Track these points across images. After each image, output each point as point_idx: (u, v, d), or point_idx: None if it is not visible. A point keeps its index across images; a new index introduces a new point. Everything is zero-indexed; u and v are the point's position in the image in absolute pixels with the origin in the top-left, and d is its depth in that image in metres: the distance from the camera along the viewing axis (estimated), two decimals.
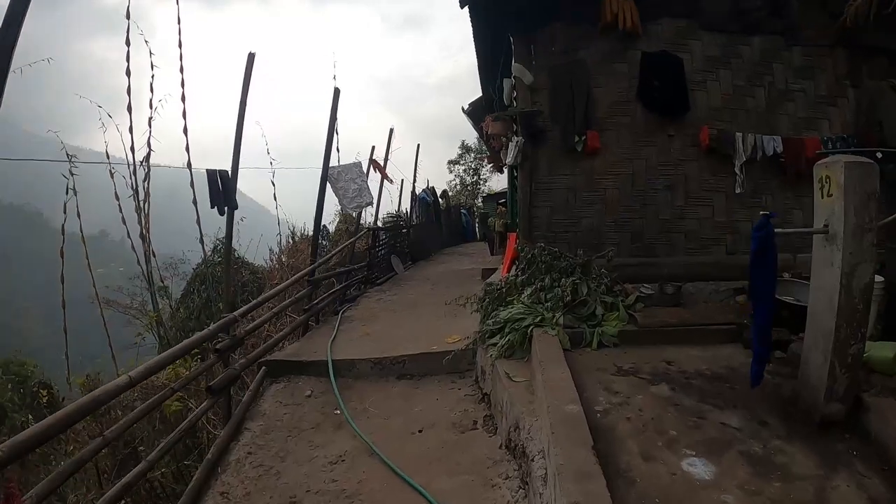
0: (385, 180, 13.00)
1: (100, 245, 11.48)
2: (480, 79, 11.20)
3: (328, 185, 9.44)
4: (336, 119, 8.80)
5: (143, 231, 10.58)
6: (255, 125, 13.04)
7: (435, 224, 22.69)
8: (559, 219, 7.25)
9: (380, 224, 15.07)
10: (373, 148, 12.85)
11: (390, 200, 19.95)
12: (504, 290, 6.63)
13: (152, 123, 10.46)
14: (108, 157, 10.08)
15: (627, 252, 7.19)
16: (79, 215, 9.52)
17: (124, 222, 10.06)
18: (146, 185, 10.74)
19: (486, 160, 29.98)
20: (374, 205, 13.44)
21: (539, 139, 7.24)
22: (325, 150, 8.91)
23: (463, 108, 15.05)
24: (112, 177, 10.04)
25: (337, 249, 10.43)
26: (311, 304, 9.17)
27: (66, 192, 9.32)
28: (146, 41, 10.44)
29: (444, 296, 9.81)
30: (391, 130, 13.98)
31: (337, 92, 8.80)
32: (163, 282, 11.59)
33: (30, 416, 9.48)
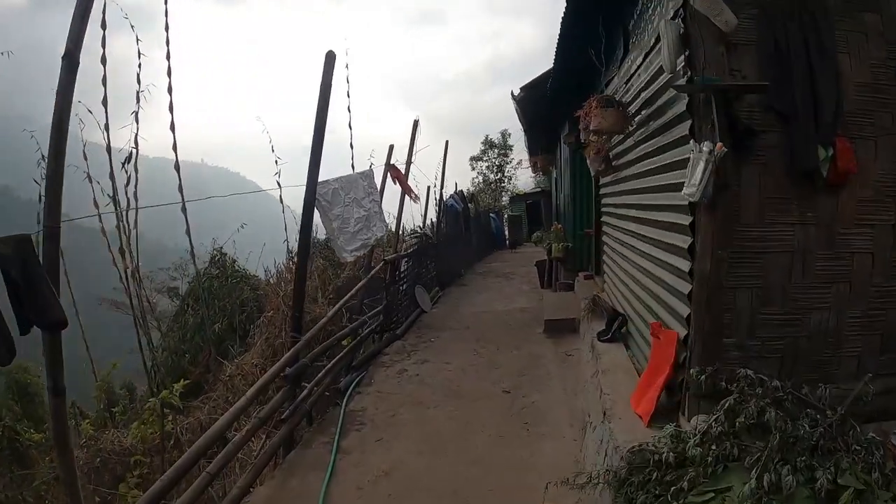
0: (408, 196, 9.51)
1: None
2: (562, 37, 7.53)
3: (316, 213, 6.06)
4: (328, 96, 5.35)
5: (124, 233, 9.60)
6: (257, 121, 11.68)
7: (465, 235, 19.13)
8: (771, 313, 3.62)
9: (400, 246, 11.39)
10: (391, 148, 9.27)
11: (411, 216, 16.31)
12: (671, 470, 3.16)
13: (139, 118, 9.68)
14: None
15: (873, 366, 3.68)
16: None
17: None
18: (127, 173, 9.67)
19: (527, 162, 26.47)
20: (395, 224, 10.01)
21: (744, 148, 3.50)
22: (312, 154, 5.48)
23: (512, 94, 11.62)
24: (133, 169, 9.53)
25: (332, 311, 6.97)
26: (294, 405, 5.80)
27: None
28: (138, 39, 9.65)
29: (497, 368, 7.67)
30: (415, 123, 10.16)
31: (331, 57, 5.35)
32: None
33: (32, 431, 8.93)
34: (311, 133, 5.43)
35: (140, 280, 10.16)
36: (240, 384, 9.10)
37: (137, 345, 9.68)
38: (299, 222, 5.80)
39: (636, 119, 5.23)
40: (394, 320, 9.87)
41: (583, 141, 6.53)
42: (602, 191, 8.27)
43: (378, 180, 8.38)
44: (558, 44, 7.77)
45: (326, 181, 6.38)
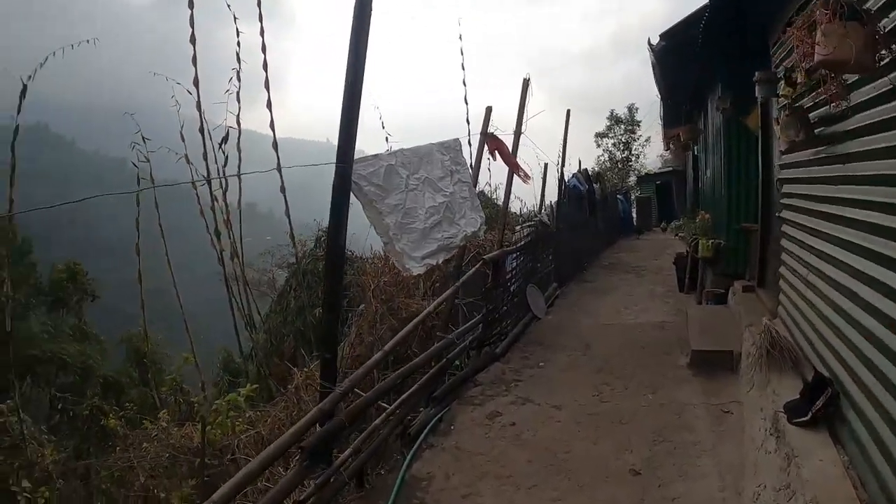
0: (516, 175, 7.39)
1: (249, 216, 11.56)
2: None
3: (357, 199, 4.12)
4: (366, 24, 3.54)
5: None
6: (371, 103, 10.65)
7: (589, 221, 16.59)
8: None
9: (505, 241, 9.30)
10: (488, 111, 6.92)
11: (520, 202, 14.27)
12: None
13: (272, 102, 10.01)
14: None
15: None
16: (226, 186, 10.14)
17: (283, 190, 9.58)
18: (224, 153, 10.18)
19: (657, 137, 23.66)
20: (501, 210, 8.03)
21: None
22: (343, 111, 3.62)
23: (650, 44, 9.31)
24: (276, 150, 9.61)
25: (393, 342, 4.94)
26: (323, 478, 3.94)
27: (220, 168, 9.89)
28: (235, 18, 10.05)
29: (624, 422, 5.45)
30: (525, 83, 7.80)
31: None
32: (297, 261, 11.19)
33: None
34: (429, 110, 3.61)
35: (242, 259, 10.47)
36: (306, 396, 7.70)
37: (238, 327, 10.30)
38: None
39: None
40: (495, 332, 7.85)
41: (794, 80, 4.06)
42: (787, 173, 5.72)
43: (472, 154, 6.35)
44: None
45: (375, 156, 4.39)
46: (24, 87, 8.15)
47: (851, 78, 3.44)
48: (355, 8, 3.61)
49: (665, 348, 7.49)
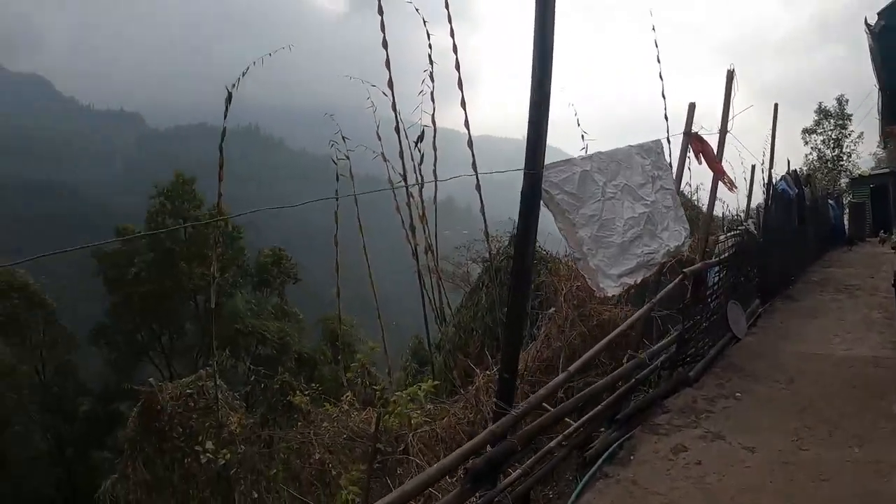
0: (721, 182, 6.67)
1: (447, 211, 12.14)
2: None
3: (548, 208, 3.77)
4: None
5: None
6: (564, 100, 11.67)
7: (798, 230, 14.91)
8: None
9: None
10: (691, 108, 6.40)
11: (722, 203, 13.22)
12: None
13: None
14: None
15: None
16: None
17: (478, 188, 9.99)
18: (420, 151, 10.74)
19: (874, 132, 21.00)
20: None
21: None
22: (532, 108, 3.30)
23: (867, 25, 8.17)
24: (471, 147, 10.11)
25: (586, 356, 4.53)
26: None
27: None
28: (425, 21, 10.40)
29: (825, 479, 4.56)
30: (730, 75, 7.12)
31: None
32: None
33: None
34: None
35: (436, 254, 10.97)
36: (485, 399, 7.56)
37: (427, 318, 10.84)
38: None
39: None
40: (689, 352, 7.15)
41: None
42: None
43: (674, 157, 5.76)
44: None
45: (568, 161, 4.01)
46: (230, 94, 8.84)
47: None
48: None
49: (879, 391, 6.42)
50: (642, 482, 4.66)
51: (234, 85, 8.86)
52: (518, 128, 3.55)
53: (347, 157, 10.72)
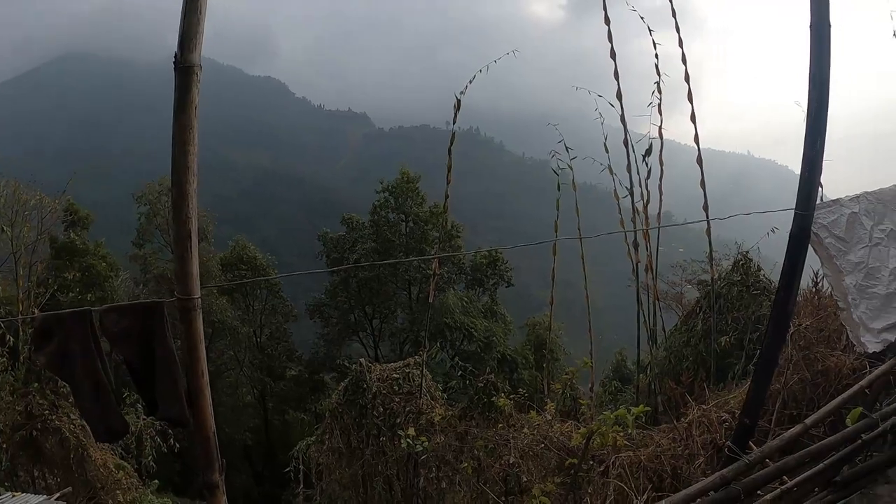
0: None
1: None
2: None
3: (815, 252, 3.45)
4: None
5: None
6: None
7: None
8: None
9: None
10: None
11: None
12: None
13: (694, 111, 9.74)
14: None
15: None
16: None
17: (706, 208, 9.42)
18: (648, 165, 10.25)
19: None
20: None
21: None
22: (807, 140, 3.09)
23: None
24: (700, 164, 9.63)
25: (826, 409, 4.00)
26: None
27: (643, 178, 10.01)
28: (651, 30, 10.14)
29: None
30: None
31: None
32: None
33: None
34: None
35: (655, 273, 10.49)
36: (696, 434, 7.16)
37: (640, 338, 10.42)
38: None
39: None
40: None
41: None
42: None
43: None
44: None
45: (836, 201, 3.64)
46: (458, 101, 9.22)
47: None
48: (811, 31, 3.01)
49: None
50: None
51: (462, 91, 9.20)
52: (740, 141, 3.31)
53: (571, 167, 10.68)
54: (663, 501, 3.43)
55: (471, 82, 9.39)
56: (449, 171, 9.20)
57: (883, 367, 5.38)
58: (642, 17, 10.19)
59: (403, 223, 32.79)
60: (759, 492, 4.63)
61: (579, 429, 7.30)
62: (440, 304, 27.58)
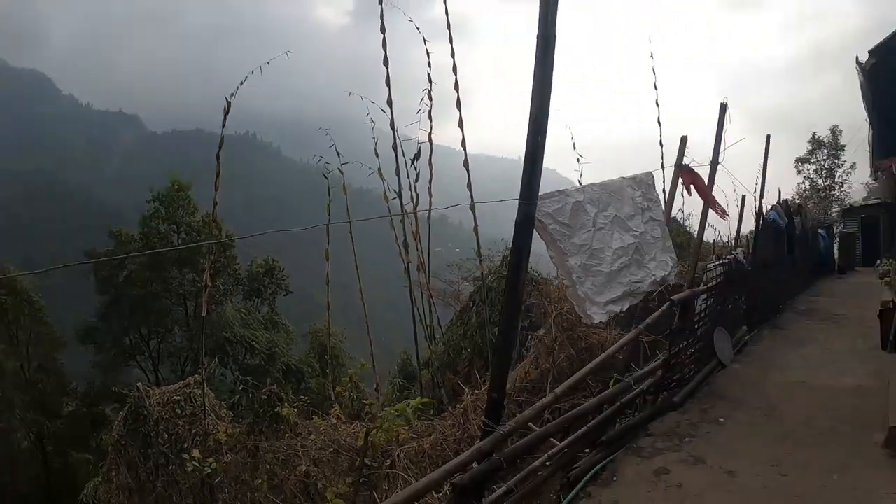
0: (713, 210, 6.86)
1: (440, 228, 12.14)
2: None
3: (541, 237, 3.93)
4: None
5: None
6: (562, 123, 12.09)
7: (787, 259, 15.19)
8: None
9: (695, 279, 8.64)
10: (682, 141, 6.71)
11: (713, 230, 13.38)
12: None
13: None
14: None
15: None
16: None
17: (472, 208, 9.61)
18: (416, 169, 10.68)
19: (866, 164, 21.35)
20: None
21: None
22: (529, 137, 3.49)
23: (858, 64, 8.35)
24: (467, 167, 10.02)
25: (573, 380, 4.70)
26: None
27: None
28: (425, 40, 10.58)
29: None
30: (722, 108, 7.46)
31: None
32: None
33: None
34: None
35: (427, 272, 10.77)
36: (473, 417, 7.67)
37: (417, 335, 10.55)
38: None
39: None
40: (675, 377, 7.27)
41: None
42: None
43: (664, 189, 5.92)
44: None
45: (562, 191, 4.16)
46: (228, 104, 8.87)
47: None
48: (538, 40, 3.44)
49: (860, 420, 6.49)
50: (624, 503, 4.77)
51: (232, 94, 8.89)
52: (514, 147, 3.69)
53: (341, 171, 10.77)
54: (423, 479, 3.65)
55: (242, 84, 9.09)
56: (217, 176, 8.84)
57: (627, 337, 6.18)
58: (418, 28, 10.51)
59: (175, 234, 31.05)
60: (530, 457, 5.14)
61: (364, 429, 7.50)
62: (218, 319, 26.78)
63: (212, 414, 9.18)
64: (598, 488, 5.00)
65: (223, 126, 8.82)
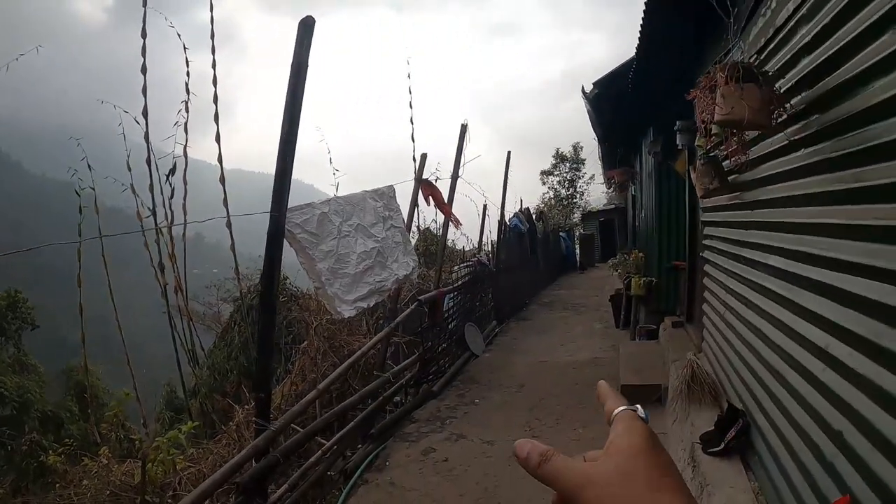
0: (451, 223, 7.70)
1: (196, 248, 11.33)
2: None
3: (291, 246, 4.28)
4: (303, 75, 3.77)
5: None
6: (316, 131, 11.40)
7: (530, 259, 17.05)
8: None
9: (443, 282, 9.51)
10: (422, 158, 7.53)
11: (463, 237, 14.49)
12: None
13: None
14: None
15: None
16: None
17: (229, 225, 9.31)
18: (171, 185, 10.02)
19: (601, 177, 24.43)
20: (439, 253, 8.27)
21: None
22: (279, 157, 3.85)
23: (584, 92, 9.68)
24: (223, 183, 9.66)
25: (326, 381, 5.10)
26: None
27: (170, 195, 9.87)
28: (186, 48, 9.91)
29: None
30: (463, 128, 8.42)
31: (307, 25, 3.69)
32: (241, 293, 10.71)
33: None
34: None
35: (185, 294, 10.28)
36: (247, 433, 7.66)
37: (181, 361, 10.12)
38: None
39: (791, 104, 3.16)
40: (432, 370, 7.96)
41: (709, 132, 4.22)
42: (707, 216, 6.03)
43: (407, 200, 6.57)
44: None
45: (309, 204, 4.54)
46: None
47: (753, 133, 3.75)
48: (292, 66, 3.79)
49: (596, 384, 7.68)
50: (399, 482, 5.22)
51: None
52: (273, 160, 3.88)
53: (93, 189, 9.74)
54: (205, 481, 3.76)
55: None
56: None
57: (378, 336, 6.73)
58: (179, 35, 9.93)
59: None
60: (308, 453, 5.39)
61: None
62: None
63: None
64: (374, 473, 5.42)
65: None
